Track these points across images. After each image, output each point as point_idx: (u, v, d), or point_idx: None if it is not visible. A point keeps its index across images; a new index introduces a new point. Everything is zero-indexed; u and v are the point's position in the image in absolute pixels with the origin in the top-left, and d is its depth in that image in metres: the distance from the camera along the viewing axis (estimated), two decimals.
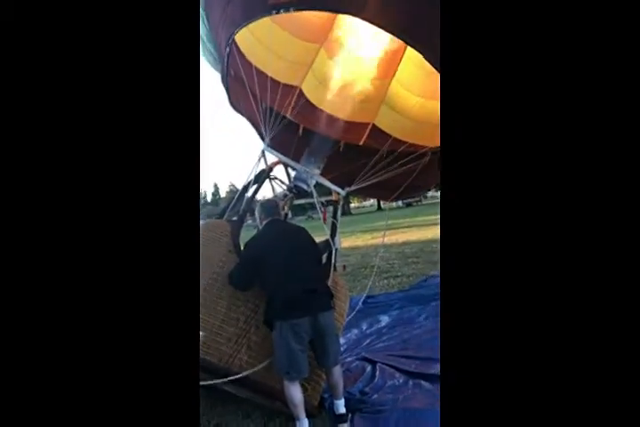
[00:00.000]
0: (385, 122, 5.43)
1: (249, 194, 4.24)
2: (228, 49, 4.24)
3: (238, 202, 4.18)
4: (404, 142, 5.06)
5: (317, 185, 4.60)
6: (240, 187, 4.41)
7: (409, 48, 4.80)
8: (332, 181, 4.68)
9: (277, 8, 3.78)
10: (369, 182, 4.47)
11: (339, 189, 4.56)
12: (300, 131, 5.07)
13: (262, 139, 4.78)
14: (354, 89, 4.89)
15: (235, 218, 4.13)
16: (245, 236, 3.80)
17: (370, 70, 5.02)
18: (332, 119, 4.98)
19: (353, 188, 4.48)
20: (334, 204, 4.63)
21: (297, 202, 4.65)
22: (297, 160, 4.54)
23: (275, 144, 4.71)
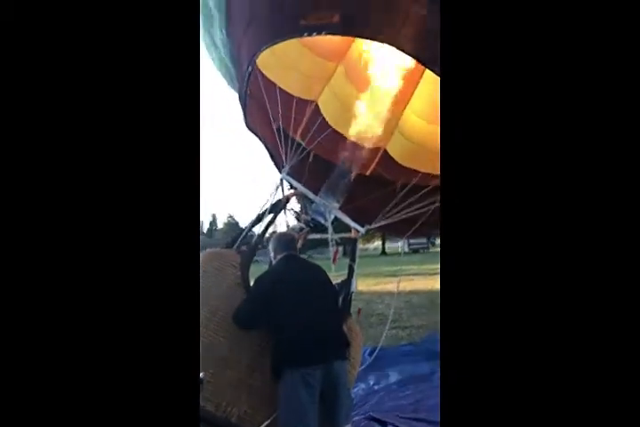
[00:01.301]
0: (396, 149, 5.54)
1: (261, 225, 4.13)
2: (250, 68, 4.24)
3: (250, 232, 4.06)
4: (416, 171, 5.14)
5: (335, 220, 4.49)
6: (241, 217, 4.33)
7: (425, 76, 5.15)
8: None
9: (310, 30, 3.82)
10: (390, 220, 4.37)
11: (358, 227, 4.46)
12: (311, 157, 5.06)
13: (277, 166, 4.74)
14: (369, 110, 4.99)
15: (244, 249, 3.99)
16: (255, 271, 3.64)
17: (385, 94, 5.14)
18: (344, 141, 5.05)
19: (373, 225, 4.37)
20: (352, 242, 4.50)
21: (311, 237, 4.53)
22: (314, 191, 4.46)
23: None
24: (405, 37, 3.70)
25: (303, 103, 5.17)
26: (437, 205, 4.49)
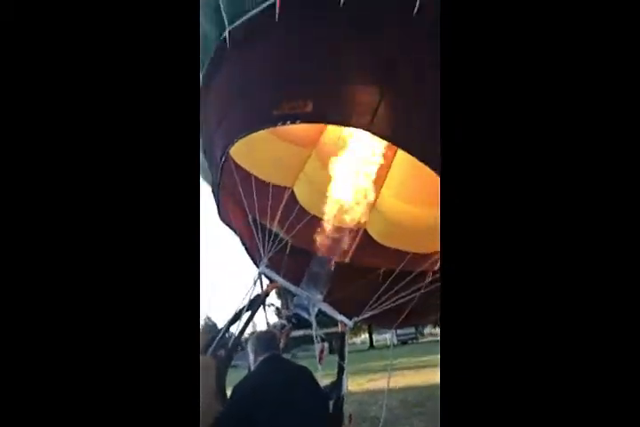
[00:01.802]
0: (375, 229, 5.56)
1: (239, 324, 3.84)
2: (223, 158, 4.23)
3: (225, 333, 3.75)
4: (397, 251, 5.14)
5: (319, 314, 4.23)
6: (216, 317, 4.05)
7: (397, 156, 5.29)
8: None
9: (284, 120, 3.87)
10: (378, 311, 4.14)
11: (345, 320, 4.20)
12: (288, 248, 4.94)
13: (253, 260, 4.57)
14: (342, 193, 5.06)
15: (221, 353, 3.66)
16: (234, 377, 3.29)
17: (360, 176, 5.20)
18: (321, 227, 5.02)
19: (361, 317, 4.12)
20: (340, 336, 4.20)
21: (294, 334, 4.22)
22: (295, 283, 4.25)
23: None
24: (378, 122, 3.77)
25: (279, 191, 5.23)
26: (423, 291, 4.37)
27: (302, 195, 5.55)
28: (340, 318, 4.30)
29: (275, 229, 4.95)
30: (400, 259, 4.97)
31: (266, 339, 3.45)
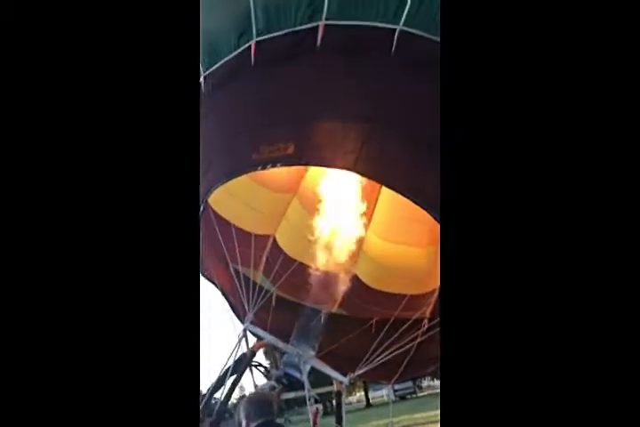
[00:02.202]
0: (365, 272, 5.38)
1: (225, 388, 3.50)
2: (202, 207, 4.07)
3: (210, 399, 3.41)
4: (388, 294, 5.01)
5: (311, 372, 3.92)
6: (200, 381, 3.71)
7: (381, 196, 5.19)
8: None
9: (264, 163, 3.77)
10: (374, 365, 3.86)
11: (340, 377, 3.88)
12: (274, 300, 4.69)
13: (237, 314, 4.31)
14: (327, 238, 4.92)
15: (208, 421, 3.30)
16: None
17: (343, 218, 5.08)
18: (309, 274, 4.82)
19: (357, 373, 3.82)
20: (336, 395, 3.88)
21: (286, 396, 3.86)
22: (284, 339, 3.96)
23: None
24: (362, 161, 3.68)
25: (260, 239, 5.07)
26: (420, 340, 4.16)
27: (285, 242, 5.40)
28: (335, 375, 4.04)
29: (259, 280, 4.77)
30: (394, 303, 4.83)
31: (259, 403, 3.12)
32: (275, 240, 5.37)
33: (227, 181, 4.04)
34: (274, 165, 3.82)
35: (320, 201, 5.07)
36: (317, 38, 4.00)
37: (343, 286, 5.06)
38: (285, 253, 5.29)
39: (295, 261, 5.17)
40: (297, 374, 3.90)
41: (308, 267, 4.94)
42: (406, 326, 4.28)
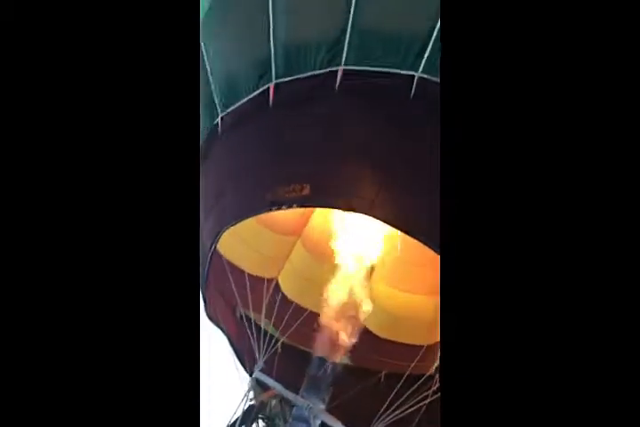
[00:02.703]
0: (373, 322, 5.14)
1: None
2: (213, 246, 3.97)
3: None
4: (396, 344, 4.86)
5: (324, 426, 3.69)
6: None
7: (386, 242, 5.04)
8: None
9: (279, 204, 3.71)
10: (385, 423, 3.65)
11: None
12: (280, 347, 4.51)
13: (241, 361, 4.14)
14: (331, 283, 4.81)
15: None
16: None
17: (348, 264, 4.95)
18: (318, 322, 4.66)
19: None
20: None
21: None
22: (293, 390, 3.75)
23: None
24: (379, 205, 3.64)
25: (263, 282, 4.90)
26: (430, 399, 3.95)
27: (288, 285, 5.26)
28: None
29: (262, 323, 4.67)
30: (403, 353, 4.72)
31: None
32: (277, 284, 5.22)
33: (239, 221, 4.00)
34: (289, 206, 3.77)
35: (324, 246, 4.99)
36: (336, 82, 4.08)
37: (351, 336, 4.88)
38: (286, 297, 5.15)
39: (296, 305, 5.02)
40: None
41: (310, 312, 4.82)
42: (419, 382, 4.09)
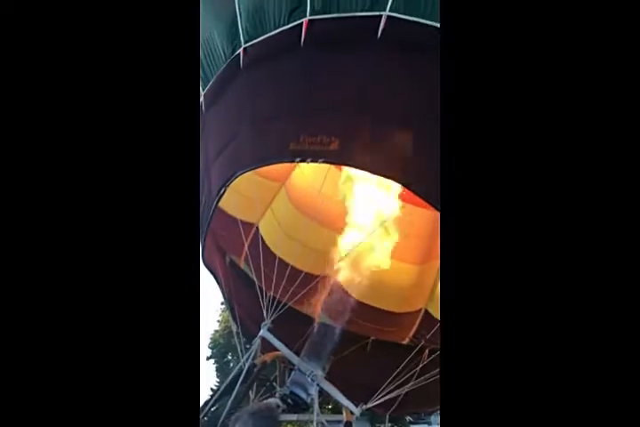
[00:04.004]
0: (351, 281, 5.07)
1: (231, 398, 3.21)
2: (223, 190, 3.79)
3: (214, 408, 3.14)
4: (372, 308, 4.97)
5: (322, 395, 3.69)
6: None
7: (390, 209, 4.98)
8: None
9: (303, 155, 3.52)
10: (388, 397, 3.70)
11: (352, 407, 3.66)
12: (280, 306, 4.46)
13: (235, 322, 4.08)
14: (309, 234, 4.90)
15: None
16: None
17: (329, 218, 5.03)
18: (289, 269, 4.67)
19: (371, 404, 3.62)
20: (346, 426, 3.66)
21: (286, 417, 3.60)
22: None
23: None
24: (408, 172, 3.53)
25: (245, 226, 4.82)
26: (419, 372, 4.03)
27: (267, 232, 5.20)
28: (347, 403, 3.75)
29: (242, 266, 4.68)
30: (380, 319, 4.84)
31: (266, 418, 2.81)
32: (257, 230, 5.17)
33: (256, 168, 3.82)
34: (314, 160, 3.59)
35: (309, 200, 4.97)
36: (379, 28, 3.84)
37: (326, 293, 4.94)
38: (267, 246, 5.09)
39: (276, 256, 4.96)
40: (303, 395, 3.68)
41: (291, 266, 4.81)
42: (411, 355, 4.16)
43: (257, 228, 5.14)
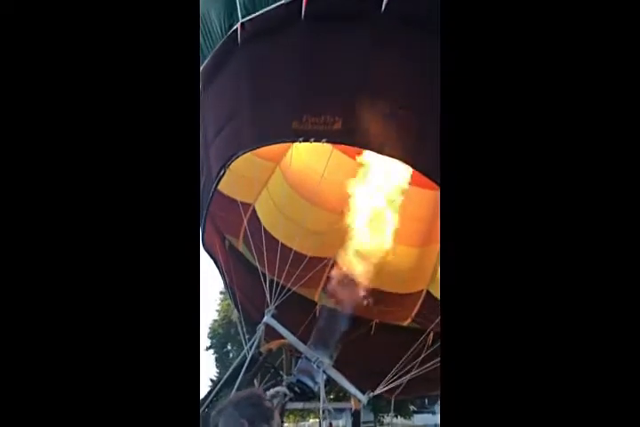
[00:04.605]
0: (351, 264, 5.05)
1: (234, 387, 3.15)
2: (223, 171, 3.71)
3: (217, 397, 3.08)
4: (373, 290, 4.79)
5: (329, 383, 3.64)
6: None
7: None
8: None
9: (306, 135, 3.44)
10: (392, 385, 3.66)
11: (359, 394, 3.61)
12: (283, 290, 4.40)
13: (237, 308, 4.03)
14: (306, 215, 4.84)
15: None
16: None
17: (327, 199, 5.02)
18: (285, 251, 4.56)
19: (379, 391, 3.58)
20: (352, 416, 3.62)
21: (292, 406, 3.55)
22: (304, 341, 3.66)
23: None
24: (413, 152, 3.45)
25: (242, 206, 4.72)
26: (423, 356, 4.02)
27: (263, 213, 5.16)
28: (354, 391, 3.68)
29: (240, 248, 4.62)
30: (385, 301, 4.82)
31: (256, 407, 2.71)
32: (254, 210, 5.13)
33: (257, 148, 3.72)
34: (317, 140, 3.51)
35: (306, 180, 4.88)
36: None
37: (327, 274, 4.95)
38: (263, 226, 5.05)
39: (272, 236, 4.97)
40: (310, 383, 3.61)
41: (288, 247, 4.71)
42: (417, 339, 4.13)
43: (253, 208, 5.10)
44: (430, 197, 4.67)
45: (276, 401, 3.18)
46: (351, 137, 3.55)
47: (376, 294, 4.79)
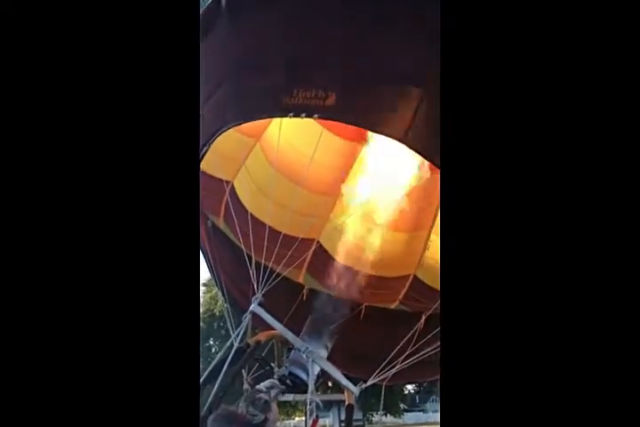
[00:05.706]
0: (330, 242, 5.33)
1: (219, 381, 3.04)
2: (206, 147, 3.74)
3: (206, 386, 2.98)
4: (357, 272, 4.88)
5: (321, 375, 3.56)
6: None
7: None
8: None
9: (297, 110, 3.29)
10: (386, 375, 3.59)
11: (351, 387, 3.52)
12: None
13: (223, 295, 3.92)
14: (285, 194, 4.72)
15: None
16: None
17: (317, 182, 4.94)
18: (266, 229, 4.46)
19: (371, 382, 3.50)
20: (347, 409, 3.54)
21: (281, 398, 3.45)
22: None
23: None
24: (412, 132, 3.32)
25: (220, 184, 4.64)
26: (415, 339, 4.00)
27: (242, 191, 5.09)
28: (345, 383, 3.56)
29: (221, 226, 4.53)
30: (374, 284, 4.85)
31: (255, 401, 2.63)
32: (233, 188, 5.03)
33: (244, 123, 3.56)
34: (309, 115, 3.35)
35: (287, 158, 4.77)
36: None
37: (308, 254, 5.00)
38: (242, 204, 5.04)
39: (253, 215, 4.85)
40: (303, 375, 3.49)
41: (268, 227, 4.58)
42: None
43: (232, 185, 5.02)
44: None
45: (273, 393, 3.08)
46: (345, 114, 3.40)
47: (365, 277, 4.79)
